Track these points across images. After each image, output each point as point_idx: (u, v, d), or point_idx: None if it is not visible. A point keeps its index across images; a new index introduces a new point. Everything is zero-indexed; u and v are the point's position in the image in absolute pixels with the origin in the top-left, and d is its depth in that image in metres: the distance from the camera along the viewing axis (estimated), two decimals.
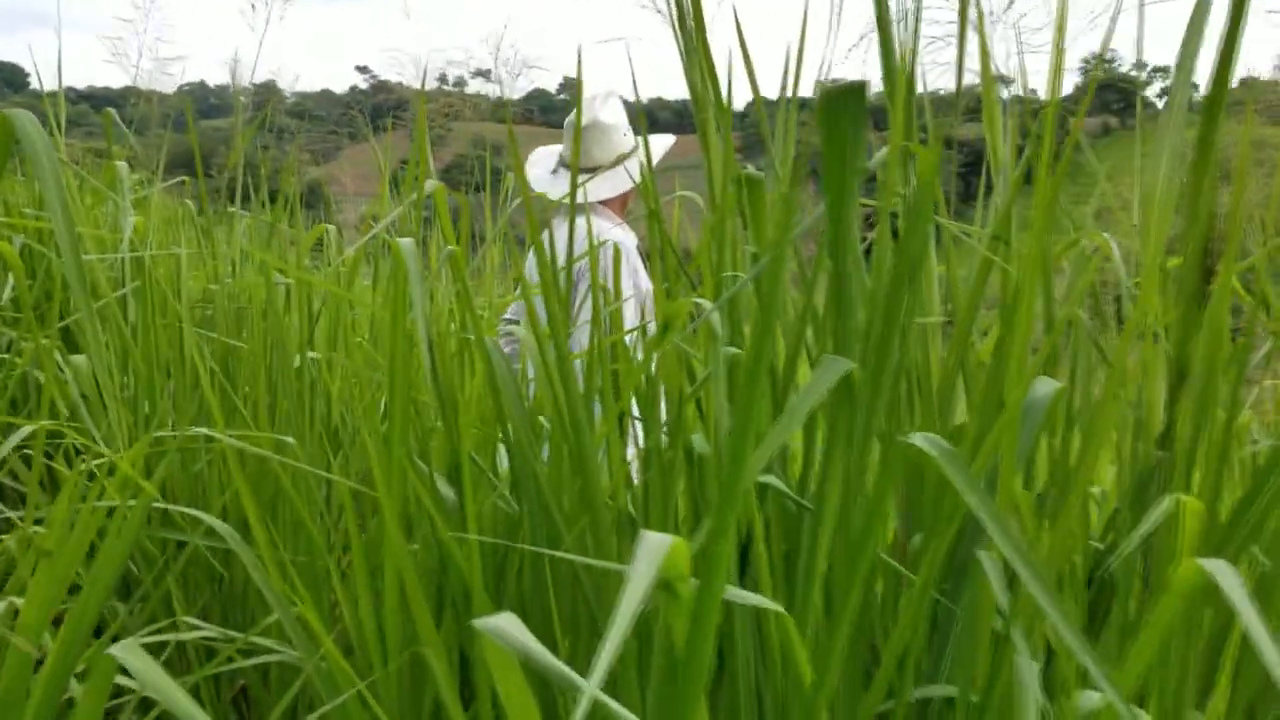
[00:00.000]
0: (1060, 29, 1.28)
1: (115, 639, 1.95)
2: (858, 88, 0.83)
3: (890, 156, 0.94)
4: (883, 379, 0.97)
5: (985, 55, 1.79)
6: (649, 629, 1.19)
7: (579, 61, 1.36)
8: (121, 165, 2.31)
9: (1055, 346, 1.11)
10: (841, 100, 0.84)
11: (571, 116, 3.13)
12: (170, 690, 0.96)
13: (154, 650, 2.11)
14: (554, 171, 3.12)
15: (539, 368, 1.52)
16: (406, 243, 1.28)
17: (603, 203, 3.04)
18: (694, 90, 1.50)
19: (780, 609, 0.82)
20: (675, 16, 1.51)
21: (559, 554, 1.10)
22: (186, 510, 1.43)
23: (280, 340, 2.26)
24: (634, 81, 1.58)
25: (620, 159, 3.00)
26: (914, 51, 1.21)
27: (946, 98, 1.92)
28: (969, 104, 1.77)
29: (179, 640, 1.92)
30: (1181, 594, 0.80)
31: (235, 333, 2.48)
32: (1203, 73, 1.56)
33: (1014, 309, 1.32)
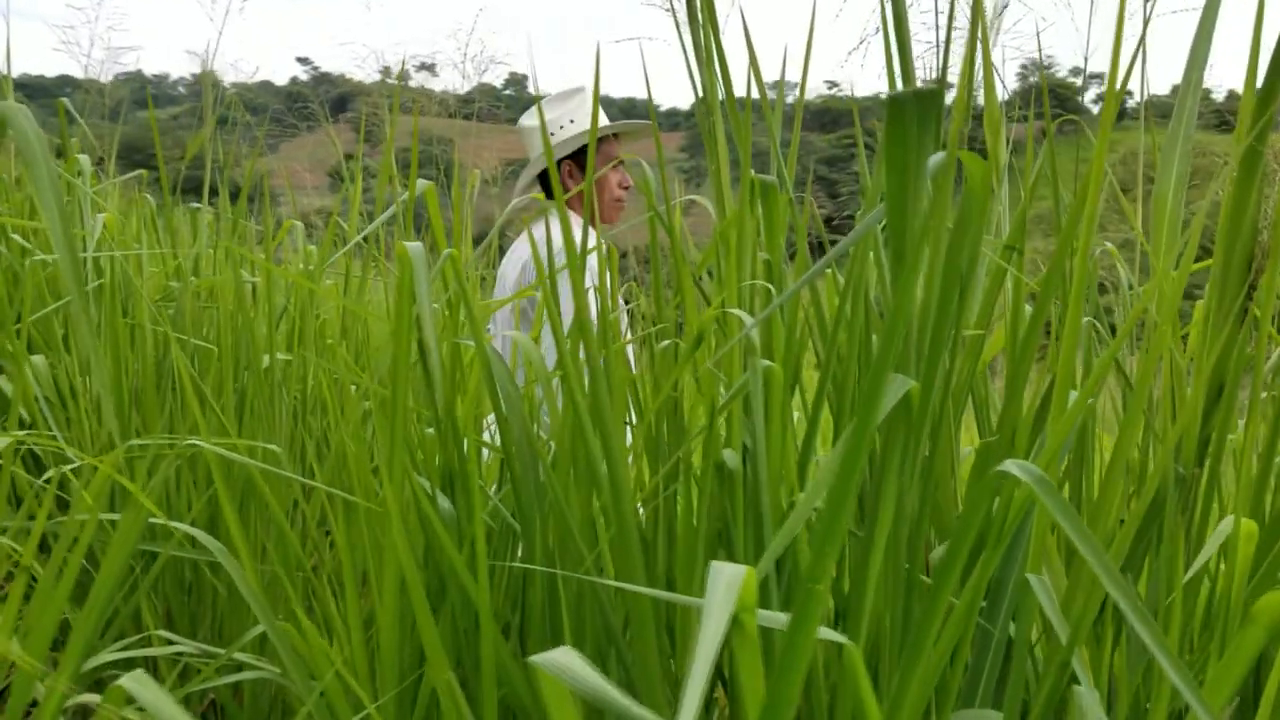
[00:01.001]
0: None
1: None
2: (930, 93, 0.79)
3: (947, 162, 0.90)
4: (932, 397, 0.93)
5: (989, 61, 1.77)
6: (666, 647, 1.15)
7: (596, 62, 1.31)
8: (84, 159, 2.22)
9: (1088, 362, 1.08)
10: (910, 105, 0.80)
11: (523, 118, 3.07)
12: None
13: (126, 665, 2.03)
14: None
15: (541, 374, 1.47)
16: (415, 247, 1.22)
17: (566, 204, 2.97)
18: (704, 93, 1.46)
19: (849, 642, 0.78)
20: (686, 17, 1.47)
21: (619, 583, 1.05)
22: (173, 525, 1.36)
23: (249, 340, 2.18)
24: (647, 81, 1.53)
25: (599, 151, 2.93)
26: (945, 53, 1.17)
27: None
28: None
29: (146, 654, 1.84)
30: (1266, 626, 0.77)
31: (199, 331, 2.40)
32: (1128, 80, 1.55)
33: (1034, 321, 1.29)
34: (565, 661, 0.73)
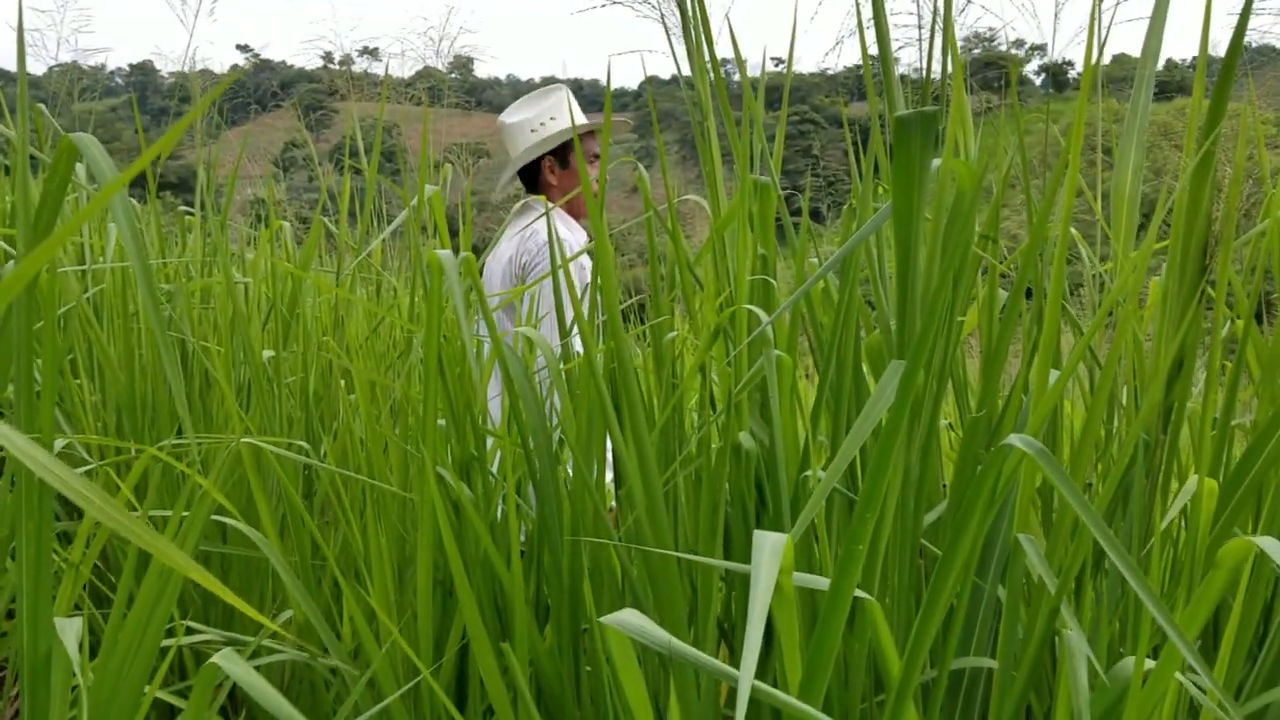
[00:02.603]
0: None
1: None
2: (932, 114, 0.90)
3: (942, 169, 1.02)
4: (931, 380, 1.04)
5: (954, 47, 1.88)
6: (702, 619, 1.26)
7: (608, 72, 1.41)
8: (81, 168, 2.28)
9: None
10: (914, 124, 0.91)
11: (502, 116, 3.15)
12: (273, 697, 1.00)
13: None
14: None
15: (552, 364, 1.57)
16: (445, 254, 1.32)
17: (551, 199, 3.05)
18: (697, 96, 1.56)
19: (871, 598, 0.89)
20: (680, 24, 1.57)
21: (672, 552, 1.15)
22: (231, 522, 1.45)
23: (250, 338, 2.26)
24: (647, 76, 1.63)
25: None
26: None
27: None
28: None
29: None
30: (1229, 568, 0.90)
31: (197, 332, 2.47)
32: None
33: (1011, 306, 1.42)
34: (633, 621, 0.84)
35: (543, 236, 2.82)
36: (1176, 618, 1.01)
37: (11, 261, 2.28)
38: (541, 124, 2.98)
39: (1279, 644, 1.28)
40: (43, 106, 3.37)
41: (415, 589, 1.51)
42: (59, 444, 1.41)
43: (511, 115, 3.07)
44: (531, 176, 3.08)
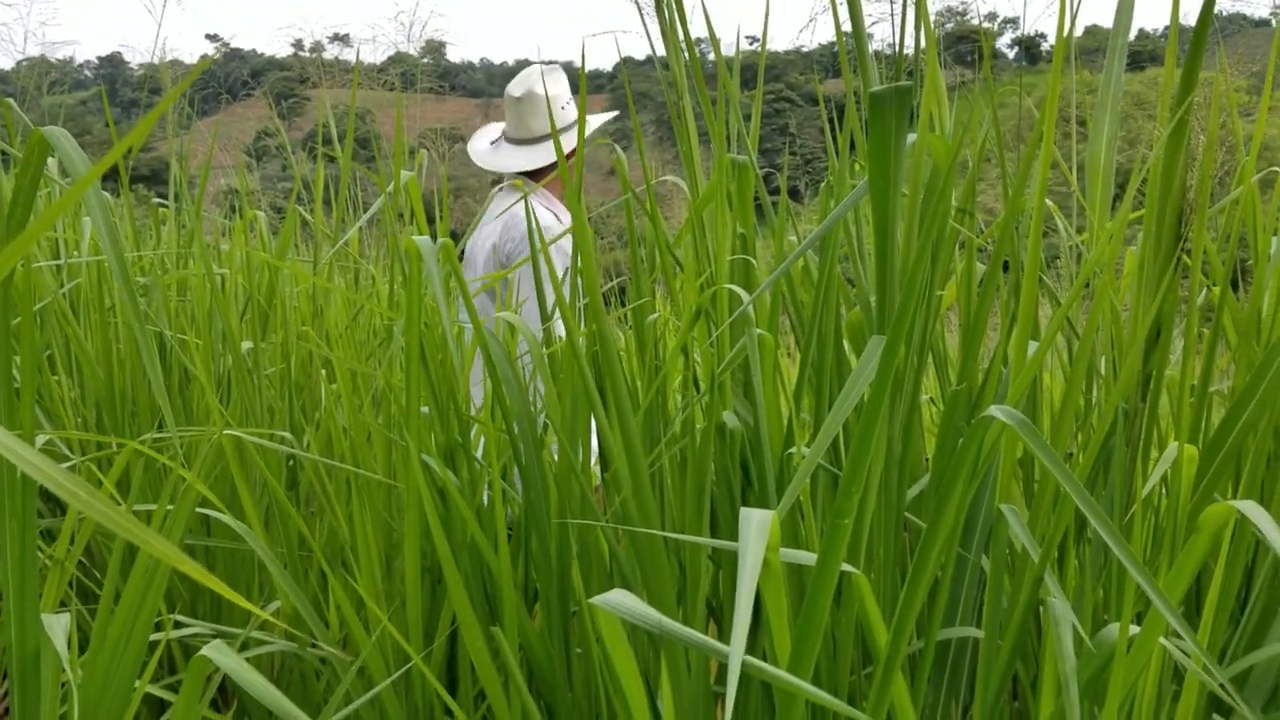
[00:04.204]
0: None
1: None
2: (906, 89, 0.91)
3: (918, 144, 1.02)
4: (912, 354, 1.05)
5: (928, 22, 1.88)
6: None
7: (583, 51, 1.41)
8: (54, 162, 2.26)
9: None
10: (889, 100, 0.92)
11: (509, 87, 3.05)
12: (264, 688, 1.00)
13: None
14: (494, 143, 3.07)
15: (534, 347, 1.57)
16: (424, 241, 1.31)
17: (540, 181, 2.98)
18: (672, 76, 1.56)
19: (859, 572, 0.90)
20: (653, 3, 1.56)
21: (662, 532, 1.15)
22: (216, 514, 1.44)
23: (229, 330, 2.24)
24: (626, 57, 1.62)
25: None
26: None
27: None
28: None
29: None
30: (1211, 532, 0.91)
31: (175, 324, 2.45)
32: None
33: (989, 279, 1.42)
34: (623, 601, 0.85)
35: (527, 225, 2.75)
36: (1160, 583, 1.02)
37: None
38: (565, 105, 2.88)
39: (1260, 607, 1.29)
40: (12, 101, 3.34)
41: (403, 576, 1.52)
42: (39, 440, 1.40)
43: (541, 85, 2.93)
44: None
